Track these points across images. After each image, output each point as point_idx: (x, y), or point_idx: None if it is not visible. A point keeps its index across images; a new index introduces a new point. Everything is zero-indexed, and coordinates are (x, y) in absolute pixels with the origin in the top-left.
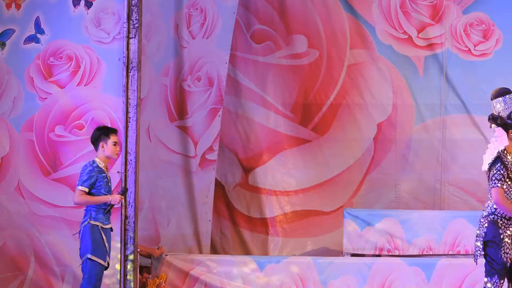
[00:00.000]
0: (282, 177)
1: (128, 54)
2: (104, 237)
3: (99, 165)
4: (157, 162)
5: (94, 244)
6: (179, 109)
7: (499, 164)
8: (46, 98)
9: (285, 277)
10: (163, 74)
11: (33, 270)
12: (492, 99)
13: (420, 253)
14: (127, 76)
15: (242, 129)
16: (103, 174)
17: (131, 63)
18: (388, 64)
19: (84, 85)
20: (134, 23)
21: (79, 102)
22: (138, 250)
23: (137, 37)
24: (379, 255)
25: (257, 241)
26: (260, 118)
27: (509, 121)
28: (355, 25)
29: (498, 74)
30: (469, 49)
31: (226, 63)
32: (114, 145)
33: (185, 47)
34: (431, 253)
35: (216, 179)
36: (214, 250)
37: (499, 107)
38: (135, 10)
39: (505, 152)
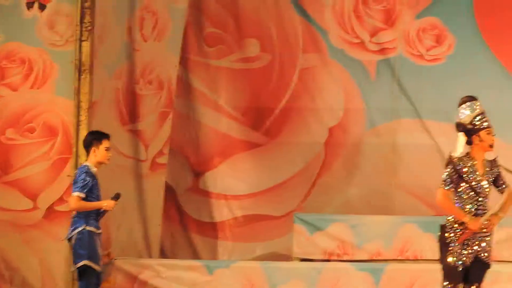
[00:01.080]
0: (233, 182)
1: (80, 57)
2: (98, 243)
3: (92, 170)
4: (109, 166)
5: (91, 250)
6: (131, 113)
7: (449, 167)
8: None
9: (234, 281)
10: (116, 77)
11: None
12: (458, 107)
13: (370, 258)
14: (79, 79)
15: (194, 132)
16: (96, 180)
17: (83, 66)
18: (340, 68)
19: (37, 88)
20: (87, 25)
21: (31, 105)
22: None
23: (89, 40)
24: (328, 260)
25: (207, 245)
26: (211, 121)
27: (470, 127)
28: (307, 29)
29: (450, 79)
30: (421, 54)
31: (176, 66)
32: (106, 150)
33: (138, 50)
34: (380, 258)
35: (167, 183)
36: (164, 255)
37: (462, 114)
38: (88, 12)
39: (467, 157)
